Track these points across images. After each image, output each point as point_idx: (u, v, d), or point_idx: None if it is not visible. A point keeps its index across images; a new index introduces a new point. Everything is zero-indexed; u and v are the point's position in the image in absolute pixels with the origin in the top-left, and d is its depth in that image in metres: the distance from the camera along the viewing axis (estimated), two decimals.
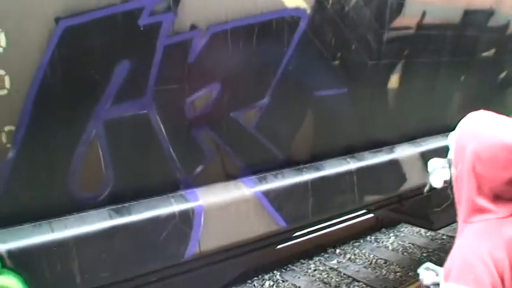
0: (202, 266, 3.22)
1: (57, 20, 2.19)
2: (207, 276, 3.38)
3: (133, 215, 2.64)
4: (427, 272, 2.20)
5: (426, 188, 2.34)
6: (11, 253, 2.30)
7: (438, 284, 2.06)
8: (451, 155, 2.01)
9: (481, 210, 1.81)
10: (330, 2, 3.15)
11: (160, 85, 2.57)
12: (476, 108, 4.88)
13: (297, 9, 3.00)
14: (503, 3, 4.59)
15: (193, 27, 2.60)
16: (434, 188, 2.25)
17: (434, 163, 2.28)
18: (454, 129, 4.82)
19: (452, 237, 6.83)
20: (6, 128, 2.22)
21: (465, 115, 4.63)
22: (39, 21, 2.16)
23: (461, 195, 1.89)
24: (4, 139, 2.22)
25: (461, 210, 1.89)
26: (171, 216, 2.74)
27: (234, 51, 2.80)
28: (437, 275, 2.10)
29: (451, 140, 2.01)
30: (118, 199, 2.66)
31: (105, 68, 2.39)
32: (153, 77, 2.54)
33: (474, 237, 1.78)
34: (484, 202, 1.80)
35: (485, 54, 4.74)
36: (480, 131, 1.82)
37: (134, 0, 2.36)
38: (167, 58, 2.55)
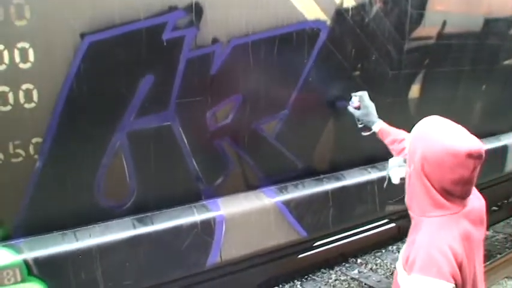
0: (224, 274, 3.26)
1: (82, 35, 2.25)
2: (228, 285, 3.41)
3: (156, 224, 2.69)
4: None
5: (385, 184, 2.57)
6: (37, 261, 2.36)
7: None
8: (406, 154, 2.14)
9: (437, 205, 1.95)
10: (350, 13, 3.17)
11: (182, 98, 2.62)
12: (497, 116, 4.87)
13: (317, 21, 3.03)
14: None
15: (215, 40, 2.65)
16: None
17: (393, 161, 2.53)
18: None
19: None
20: (34, 140, 2.28)
21: (488, 124, 4.61)
22: (66, 37, 2.23)
23: (413, 192, 2.04)
24: (32, 151, 2.29)
25: (416, 205, 2.04)
26: (193, 226, 2.78)
27: (255, 64, 2.84)
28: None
29: (408, 141, 2.14)
30: (141, 209, 2.72)
31: (129, 82, 2.45)
32: (176, 90, 2.59)
33: (434, 231, 1.92)
34: (439, 198, 1.93)
35: (506, 62, 4.71)
36: (429, 136, 1.97)
37: (158, 16, 2.42)
38: (190, 71, 2.60)
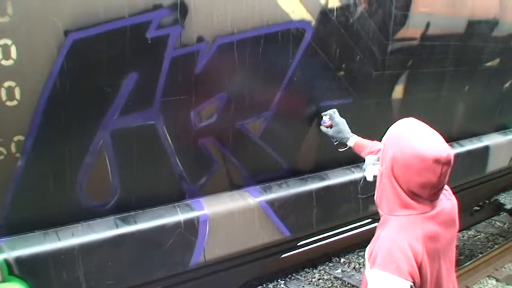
0: (207, 274, 3.25)
1: (66, 32, 2.23)
2: (212, 285, 3.40)
3: (139, 223, 2.67)
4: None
5: (361, 180, 2.68)
6: (18, 260, 2.34)
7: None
8: (380, 154, 2.20)
9: (404, 205, 2.01)
10: (335, 14, 3.18)
11: (167, 96, 2.61)
12: (479, 117, 4.93)
13: (302, 21, 3.04)
14: (507, 12, 4.61)
15: (200, 39, 2.64)
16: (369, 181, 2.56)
17: (369, 159, 2.64)
18: (457, 139, 4.86)
19: (465, 246, 6.84)
20: (16, 138, 2.25)
21: (470, 125, 4.64)
22: (49, 34, 2.20)
23: (383, 191, 2.10)
24: (14, 149, 2.26)
25: (385, 203, 2.10)
26: (176, 225, 2.77)
27: (240, 63, 2.84)
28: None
29: (382, 141, 2.19)
30: (124, 208, 2.70)
31: (113, 80, 2.43)
32: (160, 89, 2.58)
33: (397, 230, 1.98)
34: (406, 199, 1.99)
35: (489, 64, 4.76)
36: (401, 138, 2.03)
37: (142, 14, 2.40)
38: (174, 70, 2.58)
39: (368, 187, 2.58)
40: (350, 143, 3.10)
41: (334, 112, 3.24)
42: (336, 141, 3.21)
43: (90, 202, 2.58)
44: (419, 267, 1.92)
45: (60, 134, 2.38)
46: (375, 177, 2.43)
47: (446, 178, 1.96)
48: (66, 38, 2.24)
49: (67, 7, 2.22)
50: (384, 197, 2.11)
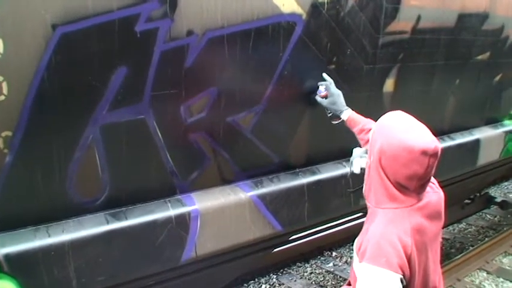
0: (199, 269, 3.24)
1: (54, 26, 2.20)
2: (204, 280, 3.39)
3: (130, 219, 2.65)
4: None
5: (349, 173, 2.66)
6: (8, 257, 2.31)
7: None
8: (368, 146, 2.22)
9: (391, 198, 2.03)
10: (326, 7, 3.17)
11: (157, 90, 2.59)
12: (470, 111, 4.95)
13: (293, 14, 3.02)
14: (497, 6, 4.62)
15: (189, 32, 2.62)
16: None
17: (356, 151, 2.62)
18: (448, 132, 4.87)
19: (456, 239, 6.87)
20: (3, 134, 2.22)
21: (461, 118, 4.67)
22: (37, 28, 2.17)
23: (371, 183, 2.13)
24: (1, 144, 2.23)
25: (373, 195, 2.13)
26: (167, 221, 2.75)
27: (230, 57, 2.82)
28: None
29: (370, 133, 2.21)
30: (115, 204, 2.68)
31: (102, 74, 2.41)
32: (150, 83, 2.55)
33: (386, 224, 2.00)
34: (393, 191, 2.02)
35: (480, 57, 4.77)
36: (389, 130, 2.04)
37: (131, 7, 2.38)
38: (164, 64, 2.56)
39: (356, 181, 2.57)
40: (344, 116, 3.07)
41: (330, 83, 3.20)
42: (329, 113, 3.18)
43: (80, 198, 2.56)
44: (409, 260, 1.94)
45: (49, 129, 2.35)
46: (362, 169, 2.44)
47: (433, 170, 1.98)
48: (54, 31, 2.21)
49: (55, 0, 2.19)
50: (372, 189, 2.13)
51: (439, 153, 1.96)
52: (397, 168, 1.97)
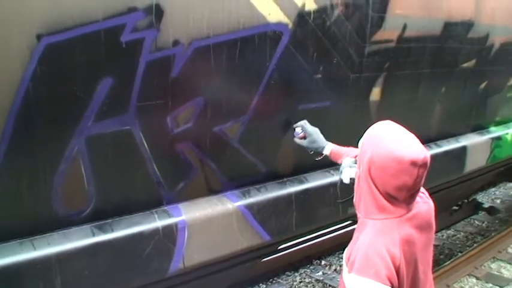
0: (187, 281, 3.21)
1: (39, 36, 2.18)
2: None
3: (116, 231, 2.62)
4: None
5: (338, 183, 2.66)
6: None
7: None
8: (358, 156, 2.22)
9: (380, 209, 2.02)
10: (312, 16, 3.18)
11: (143, 101, 2.57)
12: (456, 118, 4.97)
13: (279, 24, 3.03)
14: (482, 14, 4.66)
15: (175, 42, 2.61)
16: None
17: (346, 161, 2.66)
18: (435, 140, 4.89)
19: (445, 245, 6.89)
20: None
21: (448, 125, 4.67)
22: (22, 38, 2.15)
23: (361, 193, 2.11)
24: None
25: (362, 206, 2.11)
26: (154, 232, 2.72)
27: (216, 66, 2.82)
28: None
29: (360, 143, 2.19)
30: (101, 216, 2.65)
31: (87, 85, 2.39)
32: (136, 93, 2.54)
33: (375, 234, 1.99)
34: (383, 201, 2.00)
35: (465, 65, 4.81)
36: (377, 140, 2.03)
37: (116, 17, 2.37)
38: (150, 74, 2.55)
39: (345, 190, 2.57)
40: (326, 152, 3.08)
41: (305, 123, 3.22)
42: (311, 151, 3.19)
43: (66, 210, 2.53)
44: (397, 271, 1.93)
45: (34, 141, 2.32)
46: (351, 179, 2.44)
47: (423, 180, 1.97)
48: (39, 42, 2.19)
49: (40, 10, 2.17)
50: (362, 200, 2.11)
51: (429, 163, 1.95)
52: (387, 178, 1.96)
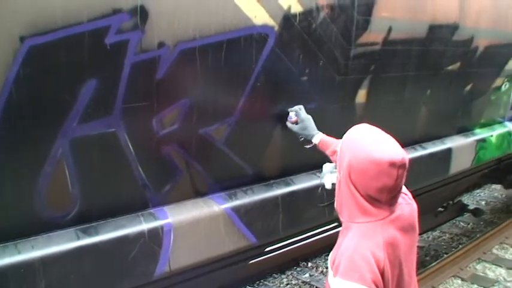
0: (173, 284, 3.20)
1: (22, 38, 2.16)
2: None
3: (101, 234, 2.60)
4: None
5: (319, 189, 2.71)
6: None
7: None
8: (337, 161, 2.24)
9: (363, 212, 2.03)
10: (298, 19, 3.18)
11: (128, 103, 2.56)
12: (442, 120, 5.00)
13: (265, 26, 3.03)
14: (466, 17, 4.70)
15: (161, 44, 2.60)
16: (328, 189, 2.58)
17: (326, 167, 2.66)
18: (420, 142, 4.91)
19: (430, 246, 6.92)
20: None
21: (433, 127, 4.70)
22: (4, 41, 2.13)
23: (342, 198, 2.12)
24: None
25: (345, 210, 2.11)
26: (140, 235, 2.70)
27: (202, 69, 2.80)
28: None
29: (338, 148, 2.23)
30: (86, 219, 2.63)
31: (72, 87, 2.37)
32: (121, 95, 2.52)
33: (359, 238, 2.00)
34: (365, 204, 2.01)
35: (450, 67, 4.84)
36: (355, 144, 2.05)
37: (101, 19, 2.35)
38: (135, 76, 2.53)
39: (331, 193, 2.57)
40: (315, 140, 3.09)
41: (300, 108, 3.23)
42: (301, 138, 3.20)
43: (50, 213, 2.50)
44: (382, 274, 1.94)
45: (17, 143, 2.29)
46: (333, 185, 2.44)
47: (403, 181, 1.99)
48: (22, 44, 2.16)
49: (23, 12, 2.15)
50: (344, 204, 2.12)
51: (407, 163, 1.97)
52: (367, 181, 1.97)
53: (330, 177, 2.57)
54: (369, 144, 1.99)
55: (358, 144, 2.03)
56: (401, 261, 2.05)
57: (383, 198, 1.98)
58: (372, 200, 2.00)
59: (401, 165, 1.93)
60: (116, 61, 2.47)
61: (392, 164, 1.91)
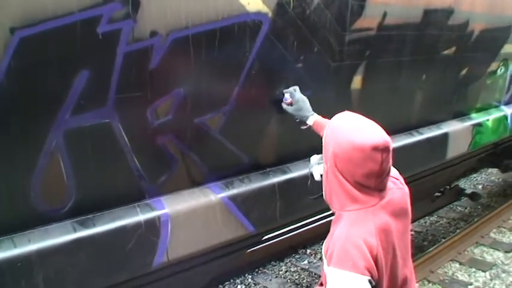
0: (172, 274, 3.20)
1: (12, 30, 2.13)
2: (178, 284, 3.35)
3: (98, 226, 2.59)
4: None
5: (309, 182, 2.67)
6: None
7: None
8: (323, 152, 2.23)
9: (353, 200, 2.03)
10: (291, 5, 3.15)
11: (121, 93, 2.53)
12: (437, 105, 4.99)
13: (259, 13, 3.00)
14: (462, 1, 4.67)
15: (153, 33, 2.57)
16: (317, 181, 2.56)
17: (313, 158, 2.65)
18: (416, 127, 4.90)
19: (428, 231, 6.95)
20: None
21: (429, 112, 4.68)
22: None
23: (331, 188, 2.12)
24: None
25: (335, 199, 2.12)
26: (137, 226, 2.70)
27: (195, 57, 2.78)
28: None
29: (323, 139, 2.22)
30: (82, 211, 2.61)
31: (64, 78, 2.34)
32: (114, 85, 2.49)
33: (350, 226, 2.01)
34: (354, 192, 2.02)
35: (446, 52, 4.82)
36: (338, 133, 2.07)
37: (92, 8, 2.32)
38: (128, 66, 2.50)
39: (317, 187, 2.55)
40: (310, 122, 3.08)
41: (295, 89, 3.20)
42: (297, 119, 3.18)
43: (46, 206, 2.49)
44: (375, 261, 1.95)
45: (11, 136, 2.27)
46: (321, 176, 2.43)
47: (389, 164, 2.00)
48: (12, 35, 2.13)
49: (13, 4, 2.12)
50: (334, 194, 2.12)
51: (390, 147, 1.98)
52: (353, 168, 1.97)
53: (318, 168, 2.55)
54: (351, 131, 2.00)
55: (340, 133, 2.05)
56: (395, 247, 2.06)
57: (371, 184, 1.99)
58: (361, 187, 2.00)
59: (385, 149, 1.94)
60: (108, 51, 2.44)
61: (375, 148, 1.92)
